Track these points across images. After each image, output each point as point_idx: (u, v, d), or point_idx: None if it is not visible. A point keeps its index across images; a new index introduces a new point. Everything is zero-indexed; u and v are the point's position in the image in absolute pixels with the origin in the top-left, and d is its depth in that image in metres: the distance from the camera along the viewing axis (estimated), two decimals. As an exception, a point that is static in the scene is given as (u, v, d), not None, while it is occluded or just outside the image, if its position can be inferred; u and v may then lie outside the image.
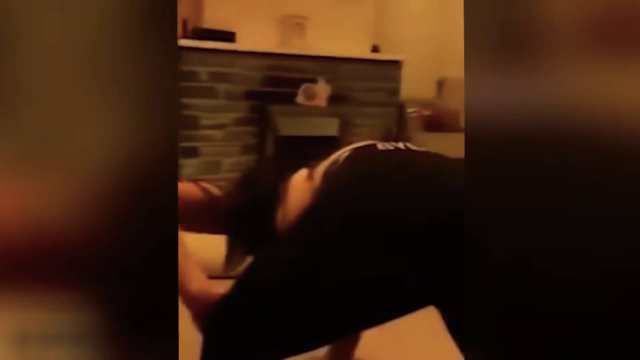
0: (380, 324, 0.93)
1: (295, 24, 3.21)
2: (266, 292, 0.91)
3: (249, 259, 1.07)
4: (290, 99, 3.21)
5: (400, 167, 0.94)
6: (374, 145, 1.02)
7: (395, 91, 3.64)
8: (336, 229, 0.86)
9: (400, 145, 1.02)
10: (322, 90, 3.25)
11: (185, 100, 2.99)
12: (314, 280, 0.87)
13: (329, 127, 3.22)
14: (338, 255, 0.85)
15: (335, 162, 1.00)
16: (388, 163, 0.95)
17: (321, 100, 3.26)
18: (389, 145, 1.00)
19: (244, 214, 1.12)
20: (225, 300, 0.96)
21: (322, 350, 1.25)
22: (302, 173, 1.10)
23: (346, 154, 1.01)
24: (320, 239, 0.87)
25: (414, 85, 3.85)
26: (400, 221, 0.83)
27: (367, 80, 3.52)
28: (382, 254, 0.83)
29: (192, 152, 3.06)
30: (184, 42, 2.93)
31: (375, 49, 3.65)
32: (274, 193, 1.10)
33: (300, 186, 1.07)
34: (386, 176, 0.91)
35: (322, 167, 1.03)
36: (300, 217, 0.94)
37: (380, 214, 0.84)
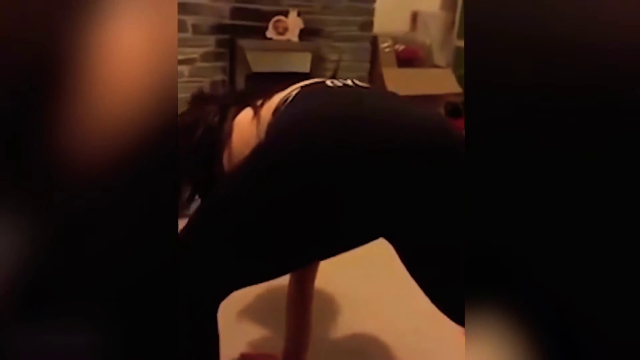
0: (334, 255, 0.97)
1: (265, -48, 3.06)
2: (213, 233, 0.94)
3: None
4: (260, 32, 3.11)
5: (352, 101, 0.94)
6: (323, 82, 1.02)
7: (369, 25, 3.55)
8: (286, 165, 0.86)
9: (349, 82, 1.02)
10: (293, 23, 3.15)
11: (151, 34, 2.86)
12: (261, 220, 0.89)
13: (301, 63, 3.14)
14: (287, 193, 0.86)
15: (284, 100, 0.99)
16: (337, 99, 0.95)
17: (293, 35, 3.16)
18: (338, 82, 1.01)
19: (189, 156, 1.11)
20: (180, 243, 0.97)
21: (285, 279, 1.29)
22: (247, 112, 1.09)
23: (295, 91, 1.00)
24: (270, 175, 0.88)
25: (388, 19, 3.76)
26: (353, 156, 0.83)
27: (340, 13, 3.41)
28: (330, 190, 0.85)
29: (160, 89, 2.96)
30: (146, -29, 2.76)
31: (348, -20, 3.52)
32: (218, 134, 1.09)
33: (247, 126, 1.07)
34: (337, 110, 0.91)
35: (270, 105, 1.03)
36: (248, 157, 0.93)
37: (332, 146, 0.84)
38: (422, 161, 0.85)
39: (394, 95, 1.02)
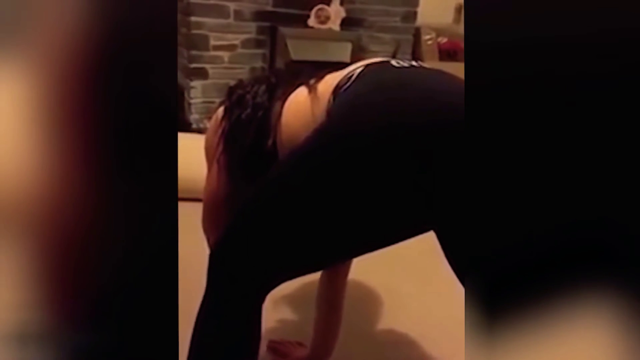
0: (381, 247, 0.93)
1: (310, -60, 3.03)
2: (269, 220, 0.90)
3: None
4: (302, 20, 3.09)
5: (416, 80, 0.88)
6: (388, 62, 0.97)
7: (411, 16, 3.48)
8: (349, 146, 0.82)
9: (414, 63, 0.97)
10: (335, 12, 3.12)
11: (195, 19, 2.88)
12: (320, 204, 0.85)
13: (341, 53, 3.11)
14: (348, 178, 0.82)
15: (347, 78, 0.94)
16: (404, 77, 0.90)
17: (334, 24, 3.13)
18: (404, 62, 0.95)
19: (237, 135, 1.07)
20: (229, 228, 0.95)
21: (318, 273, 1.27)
22: (301, 91, 1.05)
23: (359, 69, 0.95)
24: (331, 161, 0.84)
25: (432, 10, 3.68)
26: (416, 135, 0.78)
27: (382, 3, 3.36)
28: (396, 171, 0.80)
29: (201, 74, 2.99)
30: (192, -44, 2.78)
31: (393, -30, 3.46)
32: (268, 112, 1.05)
33: (302, 105, 1.02)
34: (403, 88, 0.85)
35: (331, 83, 0.98)
36: (312, 137, 0.89)
37: (397, 126, 0.79)
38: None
39: (456, 77, 0.95)
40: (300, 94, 1.04)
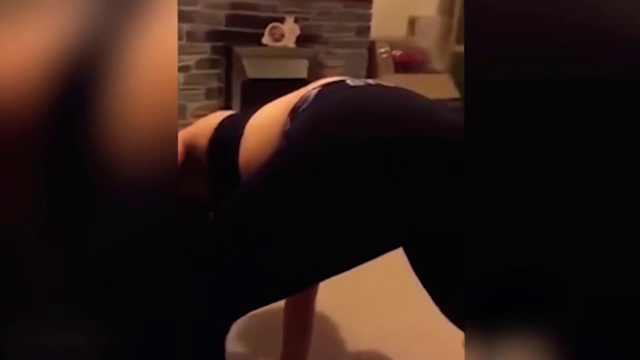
0: (355, 265, 0.90)
1: (260, -42, 3.04)
2: (230, 245, 0.87)
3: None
4: (256, 39, 3.08)
5: (373, 100, 0.88)
6: (343, 81, 0.96)
7: (365, 30, 3.53)
8: (310, 166, 0.80)
9: (371, 81, 0.96)
10: (289, 30, 3.12)
11: (145, 42, 2.83)
12: (284, 225, 0.83)
13: (298, 69, 3.12)
14: (311, 197, 0.80)
15: (304, 99, 0.94)
16: (361, 96, 0.89)
17: (289, 41, 3.14)
18: (359, 81, 0.95)
19: (214, 154, 1.07)
20: (191, 257, 0.93)
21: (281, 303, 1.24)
22: (260, 113, 1.04)
23: (316, 90, 0.95)
24: (292, 182, 0.82)
25: (385, 24, 3.74)
26: (377, 152, 0.78)
27: (336, 19, 3.39)
28: (359, 188, 0.79)
29: (155, 97, 2.93)
30: (140, -22, 2.74)
31: (344, -14, 3.51)
32: (238, 133, 1.04)
33: (260, 127, 1.01)
34: (359, 108, 0.85)
35: (287, 105, 0.97)
36: (270, 160, 0.87)
37: (356, 146, 0.79)
38: (454, 158, 0.79)
39: (416, 94, 0.95)
40: (258, 117, 1.03)
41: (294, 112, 0.93)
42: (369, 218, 0.80)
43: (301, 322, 1.27)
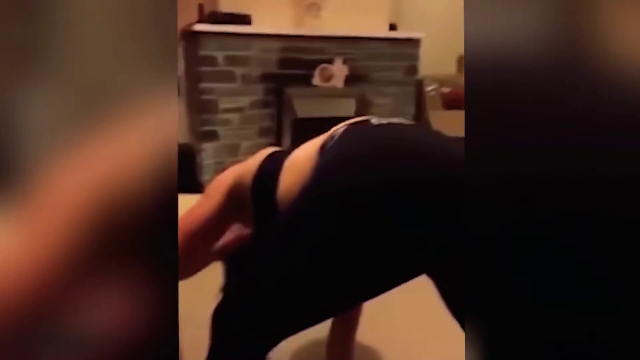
0: (379, 294, 0.95)
1: (310, 4, 3.20)
2: (266, 276, 0.95)
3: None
4: (306, 80, 3.21)
5: (396, 135, 0.95)
6: (368, 121, 1.04)
7: (413, 69, 3.60)
8: (334, 202, 0.87)
9: (394, 120, 1.03)
10: (338, 70, 3.24)
11: (204, 85, 3.02)
12: (312, 258, 0.89)
13: (346, 108, 3.21)
14: (336, 231, 0.87)
15: (331, 137, 1.02)
16: (383, 134, 0.97)
17: (338, 81, 3.25)
18: (383, 120, 1.02)
19: (257, 189, 1.14)
20: (229, 287, 0.99)
21: (325, 333, 1.28)
22: (299, 150, 1.11)
23: (342, 129, 1.03)
24: (317, 217, 0.89)
25: (433, 62, 3.80)
26: (398, 187, 0.84)
27: (384, 59, 3.48)
28: (380, 224, 0.85)
29: (212, 136, 3.10)
30: (200, 27, 2.95)
31: (392, 27, 3.61)
32: (277, 168, 1.11)
33: (296, 163, 1.09)
34: (385, 142, 0.92)
35: (318, 142, 1.05)
36: (299, 194, 0.95)
37: (378, 180, 0.85)
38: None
39: (437, 132, 1.01)
40: (297, 153, 1.11)
41: (323, 149, 1.01)
42: (390, 247, 0.86)
43: (343, 341, 1.32)
